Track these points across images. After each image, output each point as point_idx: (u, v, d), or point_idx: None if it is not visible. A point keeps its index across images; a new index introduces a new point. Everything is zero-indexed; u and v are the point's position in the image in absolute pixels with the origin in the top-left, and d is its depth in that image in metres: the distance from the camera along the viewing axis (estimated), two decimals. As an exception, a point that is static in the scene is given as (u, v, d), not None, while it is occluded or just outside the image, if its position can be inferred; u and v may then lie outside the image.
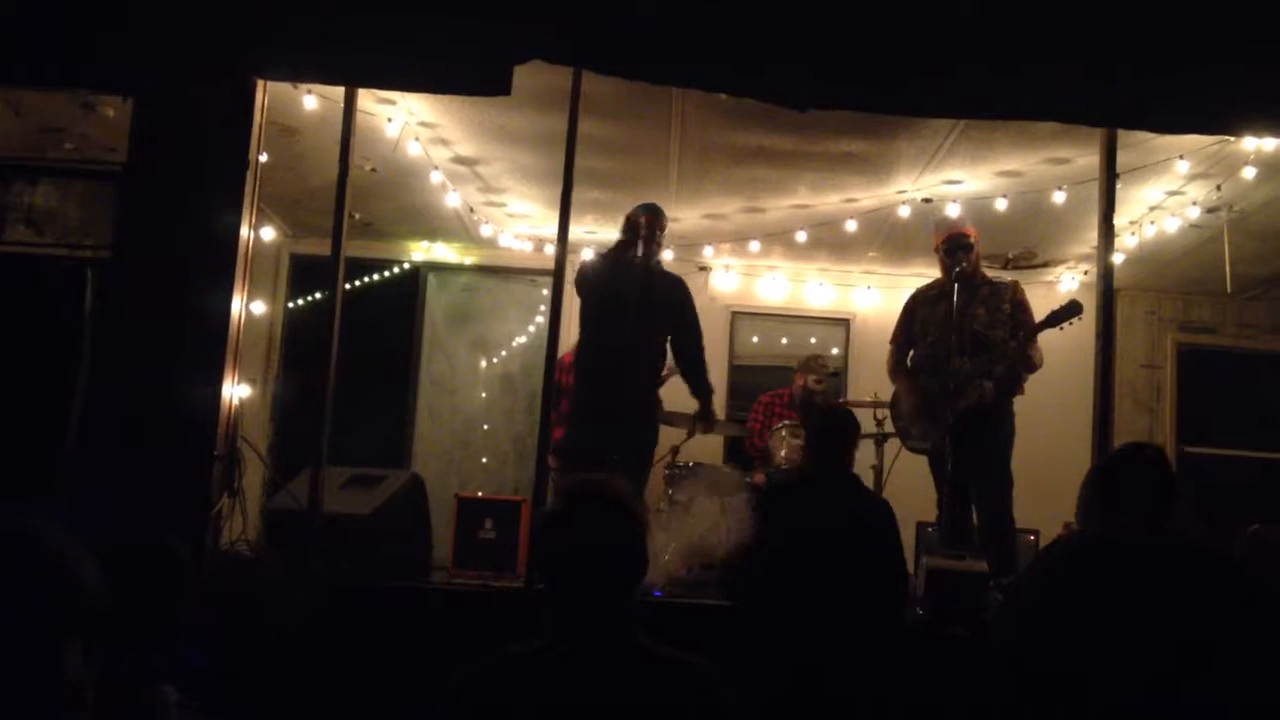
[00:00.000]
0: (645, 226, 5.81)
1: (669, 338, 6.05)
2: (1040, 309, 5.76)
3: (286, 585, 4.57)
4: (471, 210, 7.83)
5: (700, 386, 6.14)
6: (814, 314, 9.15)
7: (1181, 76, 4.73)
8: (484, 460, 8.96)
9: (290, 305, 8.73)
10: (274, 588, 4.58)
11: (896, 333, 6.16)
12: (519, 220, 8.12)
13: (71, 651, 1.56)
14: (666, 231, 6.06)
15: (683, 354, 6.10)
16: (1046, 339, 5.65)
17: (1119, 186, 5.42)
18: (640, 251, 5.78)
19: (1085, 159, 5.91)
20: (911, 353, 6.06)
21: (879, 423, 6.49)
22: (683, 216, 7.59)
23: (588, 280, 5.93)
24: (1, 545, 1.56)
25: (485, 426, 9.03)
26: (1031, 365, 5.69)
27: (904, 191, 6.91)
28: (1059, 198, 6.50)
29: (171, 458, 4.62)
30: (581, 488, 2.34)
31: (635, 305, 5.66)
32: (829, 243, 8.00)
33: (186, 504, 4.61)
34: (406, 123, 6.14)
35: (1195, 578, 2.70)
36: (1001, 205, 6.70)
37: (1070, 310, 5.45)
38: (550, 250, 6.87)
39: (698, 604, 4.93)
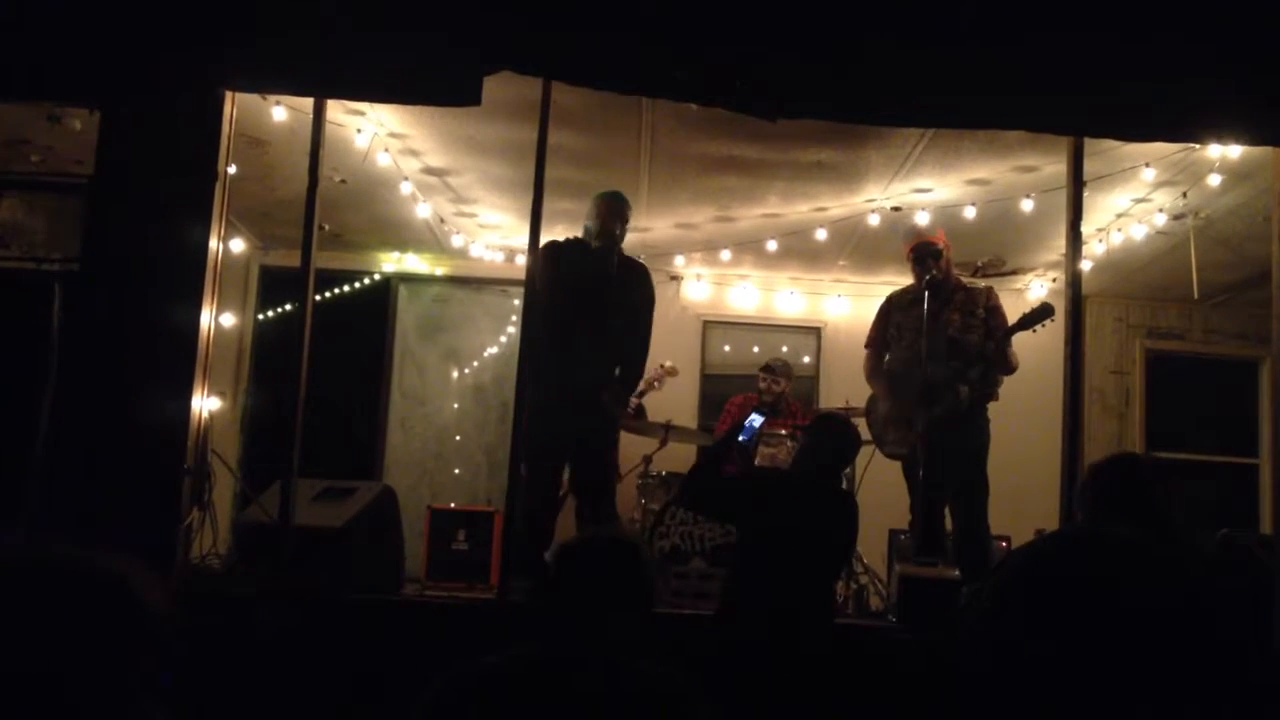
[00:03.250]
0: (607, 215, 5.73)
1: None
2: (1011, 315, 5.82)
3: (258, 599, 4.54)
4: (442, 221, 7.81)
5: (632, 372, 5.97)
6: (785, 323, 9.16)
7: (1147, 85, 4.76)
8: (456, 471, 8.92)
9: (260, 317, 8.69)
10: (245, 601, 4.55)
11: (872, 336, 6.18)
12: (490, 231, 8.11)
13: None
14: (629, 223, 5.89)
15: (630, 341, 5.92)
16: (1017, 345, 5.71)
17: (1086, 194, 5.46)
18: (606, 241, 5.69)
19: (1052, 167, 5.95)
20: (887, 357, 6.09)
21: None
22: (653, 226, 7.59)
23: (557, 263, 5.64)
24: (52, 575, 1.45)
25: (457, 438, 9.00)
26: (1009, 367, 5.75)
27: (873, 200, 6.94)
28: (1027, 206, 6.54)
29: (141, 471, 4.58)
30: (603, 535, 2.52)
31: (607, 300, 5.60)
32: (799, 251, 8.02)
33: (156, 518, 4.58)
34: (376, 134, 6.12)
35: (1153, 577, 2.72)
36: (970, 213, 6.73)
37: (1043, 312, 5.51)
38: (521, 261, 6.86)
39: (673, 614, 4.92)
